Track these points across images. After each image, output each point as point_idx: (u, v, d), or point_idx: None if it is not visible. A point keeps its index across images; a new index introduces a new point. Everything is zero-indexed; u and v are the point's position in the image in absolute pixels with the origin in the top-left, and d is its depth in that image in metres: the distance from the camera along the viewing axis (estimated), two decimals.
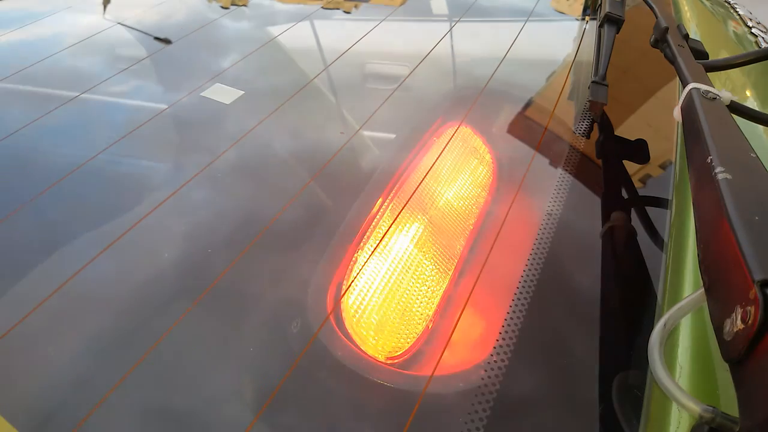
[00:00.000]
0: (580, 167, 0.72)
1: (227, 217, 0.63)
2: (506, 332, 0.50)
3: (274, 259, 0.58)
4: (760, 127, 0.69)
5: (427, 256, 0.59)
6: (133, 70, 0.93)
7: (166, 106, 0.82)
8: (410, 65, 0.95)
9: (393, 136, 0.79)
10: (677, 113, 0.55)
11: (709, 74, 0.60)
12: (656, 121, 0.88)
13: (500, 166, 0.73)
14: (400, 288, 0.55)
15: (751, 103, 0.94)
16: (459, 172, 0.70)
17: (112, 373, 0.45)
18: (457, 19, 1.14)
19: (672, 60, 0.66)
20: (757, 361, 0.29)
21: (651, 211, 0.68)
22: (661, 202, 0.69)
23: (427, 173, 0.68)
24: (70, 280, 0.53)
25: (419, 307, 0.53)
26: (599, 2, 0.99)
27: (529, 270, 0.56)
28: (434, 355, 0.48)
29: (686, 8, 1.23)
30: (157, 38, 1.05)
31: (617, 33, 0.85)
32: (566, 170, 0.71)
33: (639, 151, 0.79)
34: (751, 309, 0.29)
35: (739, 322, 0.30)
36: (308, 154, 0.74)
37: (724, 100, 0.53)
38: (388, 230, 0.60)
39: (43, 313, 0.50)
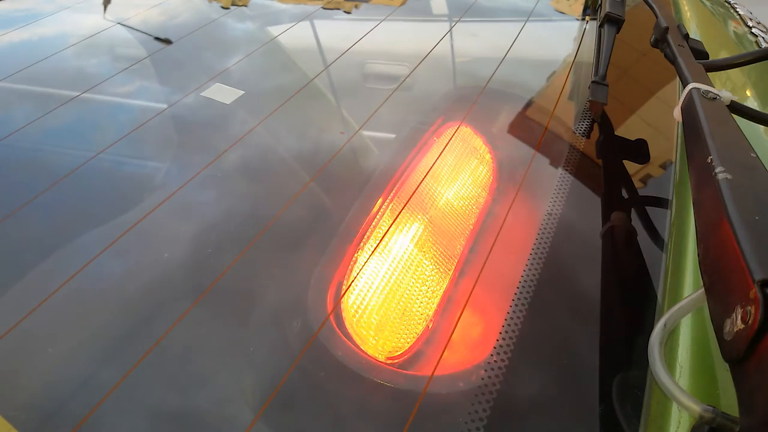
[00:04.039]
0: (580, 167, 0.72)
1: (227, 217, 0.63)
2: (506, 332, 0.50)
3: (274, 259, 0.58)
4: (760, 127, 0.69)
5: (427, 256, 0.59)
6: (134, 70, 0.93)
7: (167, 106, 0.82)
8: (410, 65, 0.95)
9: (393, 136, 0.79)
10: (677, 113, 0.55)
11: (709, 74, 0.60)
12: (656, 121, 0.88)
13: (500, 166, 0.73)
14: (400, 288, 0.55)
15: (751, 103, 0.94)
16: (459, 172, 0.70)
17: (112, 373, 0.45)
18: (457, 19, 1.14)
19: (672, 60, 0.66)
20: (757, 361, 0.29)
21: (651, 211, 0.68)
22: (661, 202, 0.69)
23: (427, 173, 0.68)
24: (71, 280, 0.53)
25: (419, 307, 0.53)
26: (599, 2, 0.99)
27: (529, 270, 0.56)
28: (434, 355, 0.48)
29: (686, 8, 1.23)
30: (157, 38, 1.05)
31: (617, 33, 0.85)
32: (566, 170, 0.71)
33: (639, 151, 0.79)
34: (751, 309, 0.29)
35: (739, 322, 0.30)
36: (308, 154, 0.74)
37: (724, 100, 0.53)
38: (388, 230, 0.60)
39: (44, 313, 0.50)
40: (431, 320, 0.52)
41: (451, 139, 0.75)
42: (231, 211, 0.65)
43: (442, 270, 0.58)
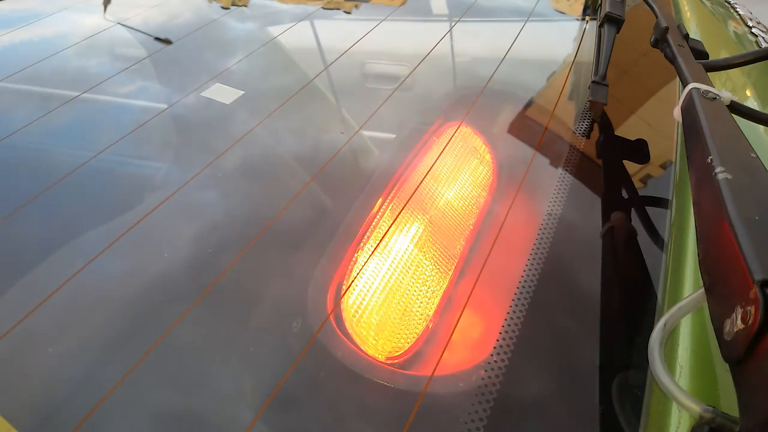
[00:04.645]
0: (580, 167, 0.72)
1: (227, 217, 0.63)
2: (506, 332, 0.50)
3: (274, 259, 0.58)
4: (760, 127, 0.69)
5: (427, 256, 0.59)
6: (133, 70, 0.93)
7: (167, 106, 0.82)
8: (410, 65, 0.95)
9: (393, 136, 0.79)
10: (677, 113, 0.55)
11: (709, 74, 0.60)
12: (656, 121, 0.88)
13: (500, 166, 0.73)
14: (400, 288, 0.55)
15: (751, 103, 0.94)
16: (459, 172, 0.70)
17: (112, 373, 0.45)
18: (457, 19, 1.14)
19: (672, 60, 0.66)
20: (757, 361, 0.29)
21: (651, 211, 0.68)
22: (661, 202, 0.69)
23: (427, 173, 0.68)
24: (71, 280, 0.53)
25: (419, 307, 0.53)
26: (599, 2, 0.99)
27: (529, 270, 0.56)
28: (434, 355, 0.48)
29: (686, 8, 1.23)
30: (157, 38, 1.05)
31: (617, 33, 0.85)
32: (566, 170, 0.71)
33: (639, 151, 0.79)
34: (751, 309, 0.29)
35: (739, 322, 0.30)
36: (308, 154, 0.74)
37: (724, 100, 0.53)
38: (388, 230, 0.60)
39: (44, 313, 0.50)
40: (431, 320, 0.52)
41: (451, 139, 0.75)
42: (231, 211, 0.65)
43: (442, 270, 0.58)
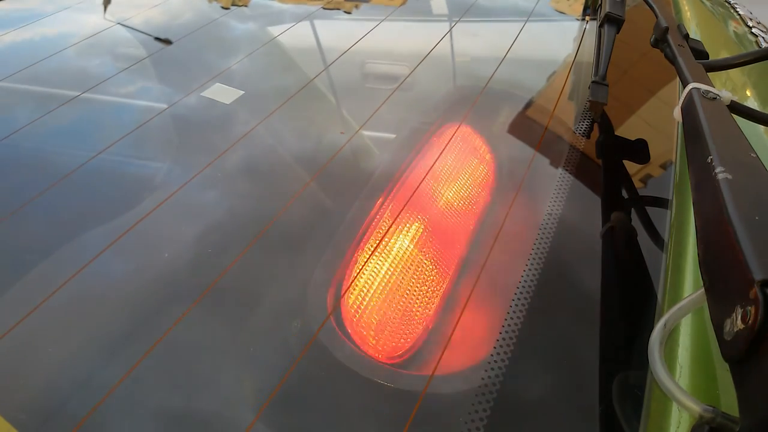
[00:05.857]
0: (580, 167, 0.72)
1: (228, 217, 0.63)
2: (506, 332, 0.50)
3: (274, 259, 0.58)
4: (760, 127, 0.69)
5: (427, 256, 0.59)
6: (133, 70, 0.93)
7: (167, 106, 0.82)
8: (410, 65, 0.95)
9: (393, 136, 0.79)
10: (677, 113, 0.55)
11: (709, 74, 0.60)
12: (656, 121, 0.88)
13: (500, 166, 0.73)
14: (400, 288, 0.55)
15: (751, 103, 0.94)
16: (459, 172, 0.70)
17: (112, 373, 0.45)
18: (457, 19, 1.14)
19: (672, 60, 0.66)
20: (757, 361, 0.29)
21: (651, 211, 0.68)
22: (661, 202, 0.69)
23: (427, 173, 0.68)
24: (71, 280, 0.53)
25: (419, 307, 0.53)
26: (599, 2, 0.99)
27: (529, 270, 0.56)
28: (434, 355, 0.48)
29: (686, 8, 1.23)
30: (157, 38, 1.05)
31: (617, 33, 0.85)
32: (566, 170, 0.71)
33: (639, 151, 0.79)
34: (751, 309, 0.29)
35: (739, 322, 0.30)
36: (308, 154, 0.74)
37: (725, 100, 0.53)
38: (388, 230, 0.60)
39: (44, 313, 0.50)
40: (431, 320, 0.52)
41: (451, 139, 0.75)
42: (231, 211, 0.65)
43: (442, 270, 0.58)
